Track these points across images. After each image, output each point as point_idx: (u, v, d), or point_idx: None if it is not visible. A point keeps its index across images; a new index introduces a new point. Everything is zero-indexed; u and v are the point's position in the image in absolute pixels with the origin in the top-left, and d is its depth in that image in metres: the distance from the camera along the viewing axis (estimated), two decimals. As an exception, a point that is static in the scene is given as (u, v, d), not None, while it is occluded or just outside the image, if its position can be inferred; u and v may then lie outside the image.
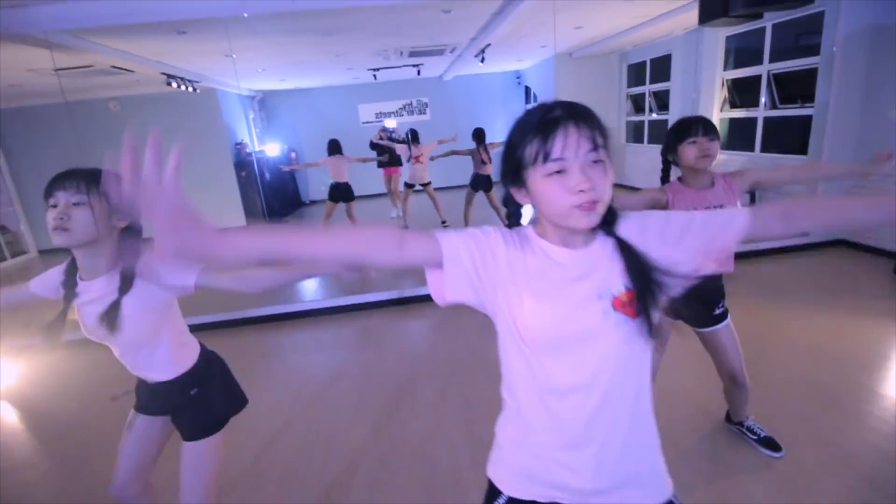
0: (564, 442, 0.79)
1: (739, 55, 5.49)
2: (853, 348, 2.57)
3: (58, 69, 4.56)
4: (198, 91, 6.25)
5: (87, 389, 2.96)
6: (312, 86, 8.71)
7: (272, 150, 8.64)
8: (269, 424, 2.40)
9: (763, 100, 5.12)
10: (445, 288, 0.76)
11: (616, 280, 0.75)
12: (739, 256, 4.07)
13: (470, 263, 0.75)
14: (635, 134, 8.00)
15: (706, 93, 5.82)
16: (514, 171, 0.76)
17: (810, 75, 4.37)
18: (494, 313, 0.80)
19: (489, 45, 5.66)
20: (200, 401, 1.33)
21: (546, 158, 0.70)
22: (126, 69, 5.06)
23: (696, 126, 1.61)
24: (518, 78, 9.65)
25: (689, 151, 1.61)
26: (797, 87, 4.77)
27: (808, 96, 4.52)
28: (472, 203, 5.47)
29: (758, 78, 5.12)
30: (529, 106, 0.90)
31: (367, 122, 9.22)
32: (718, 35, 5.56)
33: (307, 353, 3.31)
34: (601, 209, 0.72)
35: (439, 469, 1.97)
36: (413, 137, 5.96)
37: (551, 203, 0.73)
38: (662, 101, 7.06)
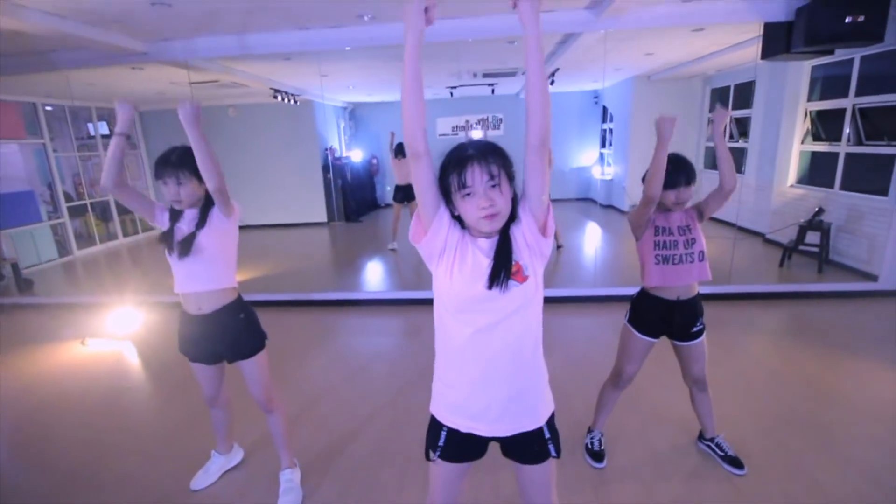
0: (467, 378, 1.13)
1: (826, 86, 5.22)
2: None
3: (192, 83, 5.62)
4: (297, 103, 7.18)
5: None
6: (396, 99, 9.46)
7: (356, 156, 9.51)
8: (316, 386, 2.94)
9: (846, 134, 4.85)
10: (424, 237, 1.11)
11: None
12: (810, 295, 3.99)
13: (445, 233, 1.11)
14: (712, 161, 7.72)
15: (787, 123, 5.57)
16: (446, 194, 1.12)
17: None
18: (431, 267, 1.14)
19: (558, 69, 5.92)
20: (248, 324, 1.88)
21: (460, 187, 1.07)
22: (243, 84, 6.03)
23: (681, 177, 1.83)
24: (596, 98, 9.68)
25: (670, 196, 1.85)
26: (886, 124, 4.48)
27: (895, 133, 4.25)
28: None
29: (843, 111, 4.86)
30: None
31: (444, 135, 9.78)
32: (804, 64, 5.33)
33: (356, 334, 3.85)
34: (500, 218, 1.07)
35: (413, 444, 2.34)
36: None
37: (467, 215, 1.09)
38: (744, 127, 6.80)
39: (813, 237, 4.79)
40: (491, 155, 1.07)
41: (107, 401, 2.92)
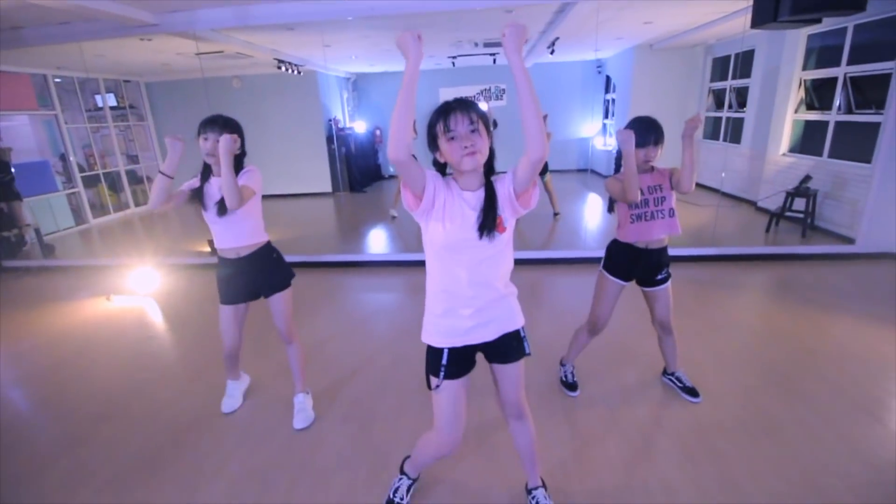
0: (462, 306, 1.39)
1: (821, 55, 5.29)
2: (886, 355, 2.78)
3: (198, 53, 5.76)
4: (301, 73, 7.28)
5: (201, 297, 4.03)
6: (398, 69, 9.51)
7: (360, 127, 9.64)
8: (322, 334, 3.24)
9: (837, 103, 4.96)
10: (420, 204, 1.32)
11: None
12: (795, 258, 4.20)
13: (432, 193, 1.33)
14: (712, 131, 7.81)
15: (782, 92, 5.66)
16: (432, 140, 1.34)
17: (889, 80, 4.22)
18: (425, 224, 1.37)
19: (558, 38, 5.99)
20: (279, 262, 2.21)
21: (446, 131, 1.29)
22: (247, 54, 6.15)
23: (649, 137, 2.03)
24: (599, 67, 9.66)
25: (639, 155, 2.04)
26: (875, 92, 4.58)
27: (883, 101, 4.36)
28: None
29: (835, 80, 4.96)
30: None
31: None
32: (800, 33, 5.38)
33: (360, 292, 4.13)
34: (480, 156, 1.29)
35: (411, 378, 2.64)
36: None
37: (451, 155, 1.30)
38: (744, 97, 6.86)
39: (800, 204, 4.97)
40: (471, 106, 1.30)
41: (136, 346, 3.24)
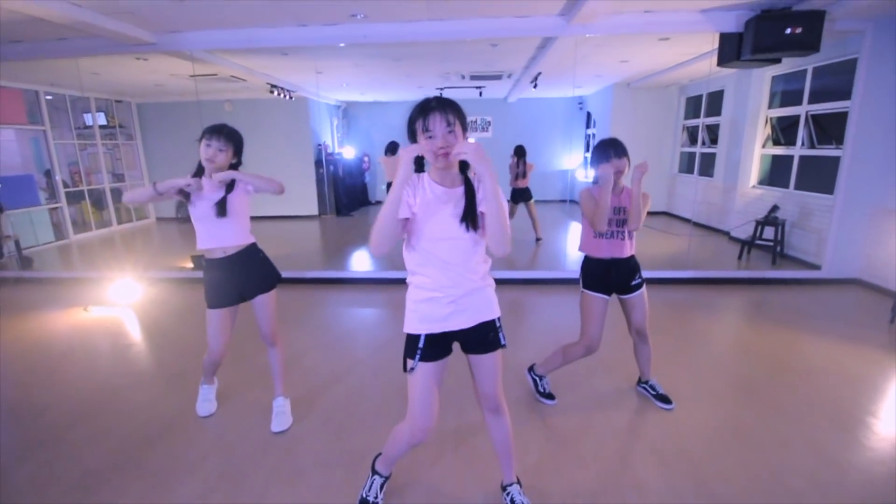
0: (441, 294, 1.45)
1: (785, 95, 5.66)
2: (849, 369, 2.86)
3: (192, 75, 5.91)
4: (293, 99, 7.48)
5: (180, 307, 4.00)
6: (388, 100, 9.82)
7: (348, 153, 9.83)
8: (300, 346, 3.24)
9: (800, 138, 5.28)
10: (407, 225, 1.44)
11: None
12: (765, 282, 4.37)
13: (409, 212, 1.42)
14: (687, 164, 8.17)
15: (750, 128, 6.01)
16: (412, 136, 1.43)
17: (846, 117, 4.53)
18: (410, 227, 1.45)
19: (540, 73, 6.31)
20: (265, 262, 2.23)
21: (425, 130, 1.37)
22: (241, 78, 6.32)
23: (608, 152, 2.17)
24: (580, 104, 10.11)
25: (606, 170, 2.16)
26: (834, 129, 4.90)
27: (842, 137, 4.66)
28: (513, 214, 6.10)
29: (797, 118, 5.30)
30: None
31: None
32: (765, 74, 5.77)
33: (343, 306, 4.15)
34: (453, 156, 1.36)
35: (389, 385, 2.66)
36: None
37: (427, 152, 1.38)
38: (715, 134, 7.24)
39: (769, 233, 5.20)
40: (449, 107, 1.38)
41: (111, 353, 3.19)
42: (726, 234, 6.40)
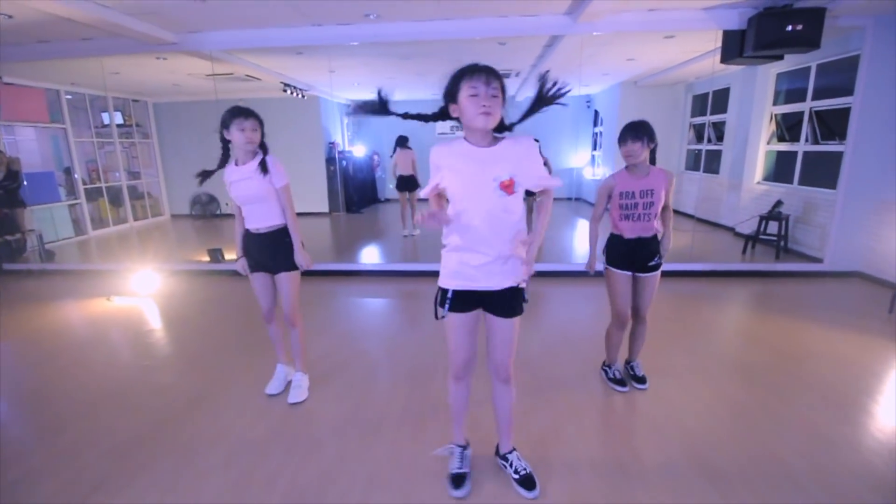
0: (472, 253, 1.55)
1: (789, 92, 5.72)
2: (846, 355, 2.97)
3: (209, 75, 6.09)
4: (305, 98, 7.65)
5: (200, 298, 4.17)
6: (398, 99, 9.94)
7: (359, 151, 9.99)
8: (315, 331, 3.37)
9: (804, 135, 5.34)
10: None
11: (503, 171, 1.49)
12: (768, 275, 4.45)
13: (437, 172, 1.54)
14: (694, 162, 8.23)
15: (755, 125, 6.07)
16: (451, 94, 1.48)
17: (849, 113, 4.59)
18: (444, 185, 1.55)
19: (548, 71, 6.39)
20: (289, 246, 2.32)
21: (470, 87, 1.44)
22: (256, 77, 6.49)
23: (625, 134, 2.26)
24: (588, 102, 10.19)
25: (622, 150, 2.27)
26: (837, 124, 4.96)
27: (845, 133, 4.72)
28: (531, 209, 6.23)
29: (802, 114, 5.36)
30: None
31: (443, 133, 10.27)
32: (770, 72, 5.83)
33: (349, 297, 4.28)
34: (493, 119, 1.44)
35: (401, 366, 2.79)
36: None
37: (468, 110, 1.44)
38: (721, 131, 7.30)
39: (774, 228, 5.26)
40: (494, 73, 1.45)
41: (136, 338, 3.35)
42: (731, 229, 6.46)
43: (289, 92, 7.09)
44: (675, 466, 1.91)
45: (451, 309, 1.63)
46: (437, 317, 1.67)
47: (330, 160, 8.91)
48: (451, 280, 1.62)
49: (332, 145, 9.15)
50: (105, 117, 8.16)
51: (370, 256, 5.93)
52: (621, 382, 2.53)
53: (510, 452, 1.86)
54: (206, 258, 5.36)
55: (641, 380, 2.53)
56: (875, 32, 4.07)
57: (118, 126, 8.33)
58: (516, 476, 1.80)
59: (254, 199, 2.23)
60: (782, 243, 5.17)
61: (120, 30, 3.96)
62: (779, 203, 5.28)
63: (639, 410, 2.32)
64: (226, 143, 2.25)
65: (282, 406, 2.41)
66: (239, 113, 2.18)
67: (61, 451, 2.09)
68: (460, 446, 1.88)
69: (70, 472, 1.95)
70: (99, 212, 7.89)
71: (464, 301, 1.62)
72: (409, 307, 3.97)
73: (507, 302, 1.63)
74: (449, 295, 1.62)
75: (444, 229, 1.59)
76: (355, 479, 1.88)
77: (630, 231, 2.33)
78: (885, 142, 4.21)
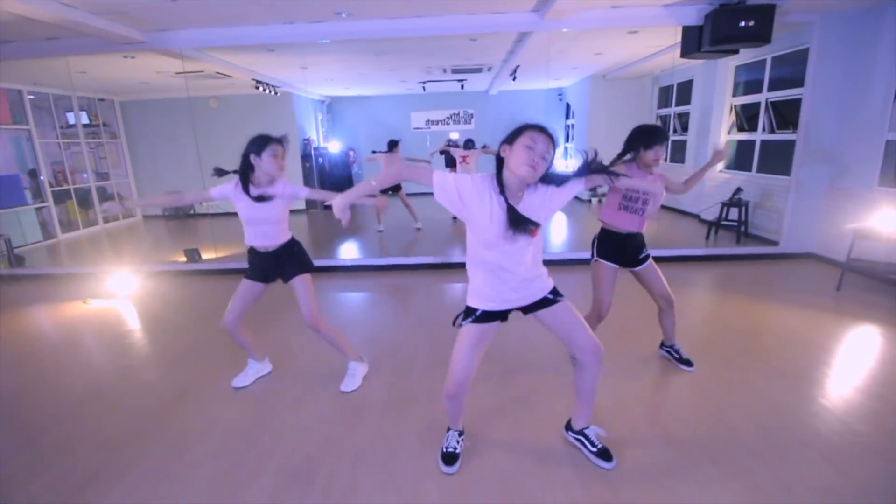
0: (496, 281, 1.67)
1: (748, 83, 6.00)
2: (797, 330, 3.22)
3: (178, 73, 6.02)
4: (278, 94, 7.61)
5: (179, 298, 4.18)
6: (372, 94, 9.98)
7: (334, 147, 9.97)
8: (295, 325, 3.45)
9: (761, 124, 5.63)
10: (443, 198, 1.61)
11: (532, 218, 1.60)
12: (728, 258, 4.69)
13: (455, 192, 1.59)
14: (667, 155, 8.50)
15: (716, 116, 6.34)
16: (511, 137, 1.56)
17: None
18: (465, 219, 1.64)
19: (519, 66, 6.55)
20: (296, 255, 2.44)
21: (529, 140, 1.51)
22: (226, 75, 6.44)
23: (661, 138, 2.33)
24: (560, 95, 10.40)
25: (650, 155, 2.34)
26: (792, 115, 5.25)
27: (797, 122, 5.01)
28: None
29: (758, 105, 5.64)
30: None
31: (418, 128, 10.34)
32: (729, 65, 6.10)
33: (333, 291, 4.36)
34: (535, 175, 1.52)
35: (385, 357, 2.90)
36: (466, 144, 7.12)
37: (519, 158, 1.52)
38: (684, 122, 7.58)
39: (734, 214, 5.54)
40: (555, 142, 1.57)
41: (117, 339, 3.36)
42: (696, 216, 6.76)
43: (261, 89, 7.04)
44: (639, 433, 2.09)
45: (476, 321, 1.74)
46: (454, 324, 1.79)
47: (305, 157, 8.88)
48: (481, 301, 1.72)
49: (306, 142, 9.12)
50: (70, 117, 7.94)
51: (349, 252, 5.99)
52: (686, 362, 2.67)
53: (587, 427, 1.96)
54: (183, 258, 5.34)
55: (687, 362, 2.65)
56: (823, 27, 4.34)
57: (84, 126, 8.12)
58: (594, 449, 1.92)
59: (269, 220, 2.33)
60: (743, 228, 5.45)
61: (86, 29, 3.90)
62: (739, 190, 5.57)
63: (604, 386, 2.49)
64: (247, 164, 2.29)
65: (268, 397, 2.49)
66: (273, 140, 2.26)
67: (52, 447, 2.14)
68: (458, 431, 2.00)
69: (62, 467, 2.00)
70: (68, 214, 7.70)
71: (489, 316, 1.74)
72: (398, 300, 4.07)
73: (540, 305, 1.76)
74: (476, 313, 1.73)
75: (468, 262, 1.73)
76: (341, 459, 1.98)
77: (626, 224, 2.42)
78: (833, 130, 4.49)
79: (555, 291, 1.78)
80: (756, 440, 2.03)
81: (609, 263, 2.49)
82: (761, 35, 3.92)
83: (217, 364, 2.90)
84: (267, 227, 2.36)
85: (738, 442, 2.02)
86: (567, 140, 10.16)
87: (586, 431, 1.96)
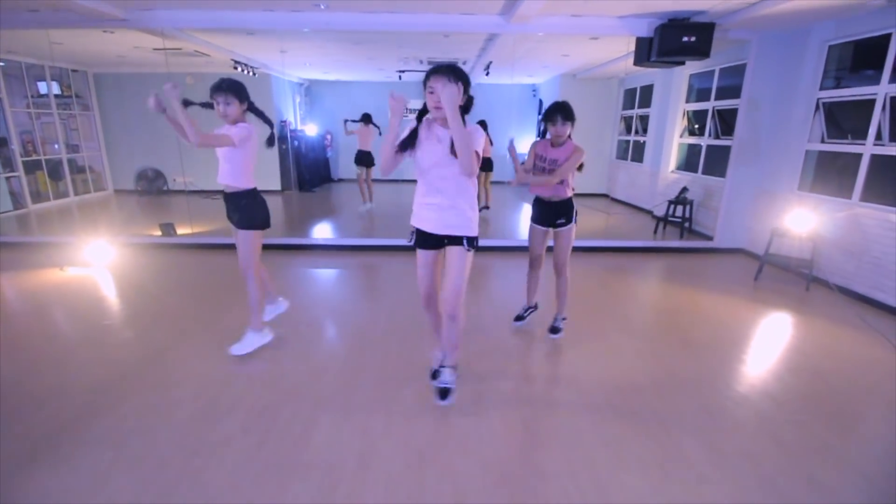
0: (426, 200, 2.08)
1: (700, 91, 6.50)
2: (719, 313, 3.67)
3: (156, 49, 6.11)
4: (256, 75, 7.72)
5: (156, 269, 4.41)
6: (350, 79, 10.14)
7: (311, 130, 10.11)
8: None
9: (708, 129, 6.13)
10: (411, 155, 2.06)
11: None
12: (671, 251, 5.16)
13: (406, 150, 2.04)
14: (623, 151, 9.02)
15: (671, 120, 6.84)
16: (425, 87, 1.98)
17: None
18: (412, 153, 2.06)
19: (492, 62, 6.87)
20: (245, 208, 2.64)
21: (425, 87, 1.96)
22: (205, 53, 6.54)
23: (555, 115, 2.75)
24: (534, 91, 10.78)
25: (550, 129, 2.78)
26: (733, 122, 5.75)
27: (738, 130, 5.51)
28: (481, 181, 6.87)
29: (706, 112, 6.14)
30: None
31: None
32: (685, 72, 6.58)
33: (307, 267, 4.66)
34: (442, 113, 1.92)
35: (352, 327, 3.25)
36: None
37: (429, 104, 1.97)
38: (646, 124, 8.08)
39: (680, 211, 6.05)
40: (448, 70, 1.94)
41: (94, 302, 3.59)
42: (650, 212, 7.28)
43: (239, 69, 7.15)
44: (590, 398, 2.50)
45: (416, 244, 2.24)
46: (409, 243, 2.27)
47: (282, 139, 9.01)
48: (413, 220, 2.19)
49: (283, 124, 9.24)
50: (42, 87, 7.85)
51: (323, 232, 6.26)
52: (520, 318, 3.20)
53: (444, 367, 2.34)
54: (158, 232, 5.51)
55: (554, 330, 3.08)
56: (759, 45, 4.81)
57: (56, 96, 8.04)
58: (442, 385, 2.31)
59: (224, 157, 2.56)
60: (687, 224, 5.97)
61: (69, 4, 4.03)
62: (684, 189, 6.08)
63: (556, 362, 2.90)
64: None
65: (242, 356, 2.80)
66: (212, 88, 2.57)
67: (46, 388, 2.40)
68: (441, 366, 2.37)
69: (56, 404, 2.28)
70: (38, 185, 7.67)
71: (424, 238, 2.20)
72: (358, 276, 4.40)
73: (454, 243, 2.15)
74: (413, 233, 2.24)
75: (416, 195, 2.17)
76: (304, 403, 2.32)
77: (533, 189, 2.89)
78: (761, 138, 5.01)
79: (470, 241, 2.14)
80: (688, 408, 2.36)
81: (537, 225, 2.98)
82: (701, 50, 4.37)
83: (193, 325, 3.18)
84: (223, 165, 2.57)
85: (672, 410, 2.33)
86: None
87: (440, 370, 2.35)
